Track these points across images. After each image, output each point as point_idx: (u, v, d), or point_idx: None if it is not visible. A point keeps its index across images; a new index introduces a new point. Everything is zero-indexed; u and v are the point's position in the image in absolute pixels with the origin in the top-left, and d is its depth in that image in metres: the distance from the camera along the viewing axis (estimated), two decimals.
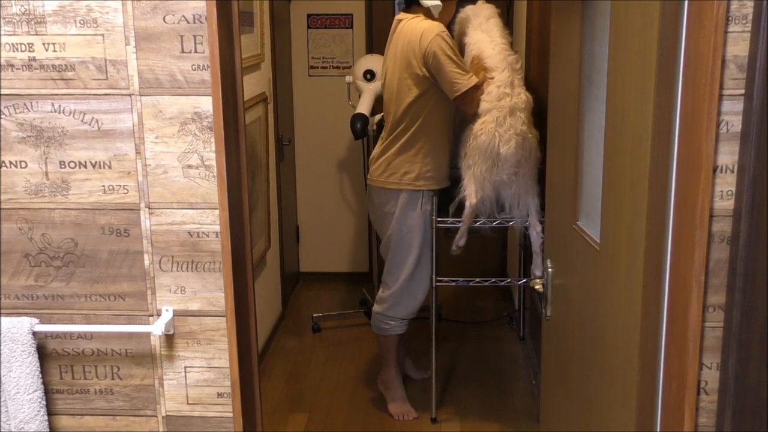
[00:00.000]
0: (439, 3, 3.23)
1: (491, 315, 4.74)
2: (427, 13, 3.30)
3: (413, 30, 3.23)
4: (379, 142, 3.47)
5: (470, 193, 3.20)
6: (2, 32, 1.62)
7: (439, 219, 3.35)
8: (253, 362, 1.85)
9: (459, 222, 3.34)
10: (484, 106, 3.13)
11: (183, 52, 1.61)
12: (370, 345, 4.26)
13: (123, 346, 1.76)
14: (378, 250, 3.74)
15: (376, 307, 3.58)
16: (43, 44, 1.62)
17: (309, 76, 5.06)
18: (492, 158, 3.09)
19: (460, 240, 3.36)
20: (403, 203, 3.37)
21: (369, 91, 4.17)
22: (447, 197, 3.48)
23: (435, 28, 3.19)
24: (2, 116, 1.66)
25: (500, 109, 3.09)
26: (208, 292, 1.71)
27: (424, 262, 3.45)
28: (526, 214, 3.27)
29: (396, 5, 4.99)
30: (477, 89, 3.17)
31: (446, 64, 3.14)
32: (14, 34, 1.62)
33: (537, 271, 3.30)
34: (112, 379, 1.78)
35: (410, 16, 3.32)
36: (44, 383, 1.76)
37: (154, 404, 1.79)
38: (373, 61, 4.20)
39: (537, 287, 2.12)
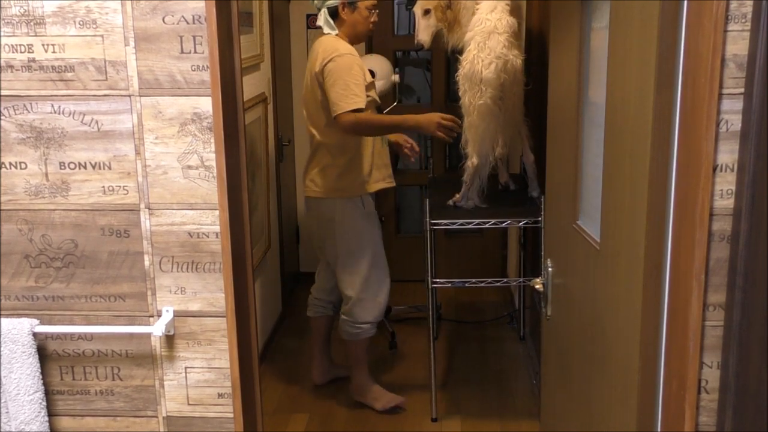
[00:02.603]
0: (328, 29, 3.29)
1: (491, 315, 4.74)
2: (343, 28, 3.32)
3: (322, 48, 3.26)
4: (310, 153, 3.47)
5: (471, 153, 3.25)
6: (2, 33, 1.62)
7: (434, 221, 3.35)
8: (253, 362, 1.85)
9: (456, 223, 3.35)
10: (468, 35, 3.16)
11: (182, 52, 1.61)
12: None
13: (123, 346, 1.76)
14: None
15: (343, 317, 3.59)
16: (43, 45, 1.62)
17: None
18: (477, 84, 3.10)
19: (461, 201, 3.42)
20: (343, 210, 3.38)
21: None
22: (445, 196, 3.47)
23: (341, 49, 3.21)
24: (2, 117, 1.66)
25: (480, 33, 3.11)
26: (209, 293, 1.71)
27: (378, 264, 3.47)
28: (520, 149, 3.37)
29: (395, 5, 4.99)
30: (358, 115, 3.16)
31: (334, 84, 3.16)
32: (14, 35, 1.62)
33: (534, 193, 3.44)
34: (113, 379, 1.78)
35: (328, 33, 3.35)
36: (45, 384, 1.76)
37: (154, 405, 1.79)
38: (373, 61, 4.20)
39: (537, 287, 2.12)
